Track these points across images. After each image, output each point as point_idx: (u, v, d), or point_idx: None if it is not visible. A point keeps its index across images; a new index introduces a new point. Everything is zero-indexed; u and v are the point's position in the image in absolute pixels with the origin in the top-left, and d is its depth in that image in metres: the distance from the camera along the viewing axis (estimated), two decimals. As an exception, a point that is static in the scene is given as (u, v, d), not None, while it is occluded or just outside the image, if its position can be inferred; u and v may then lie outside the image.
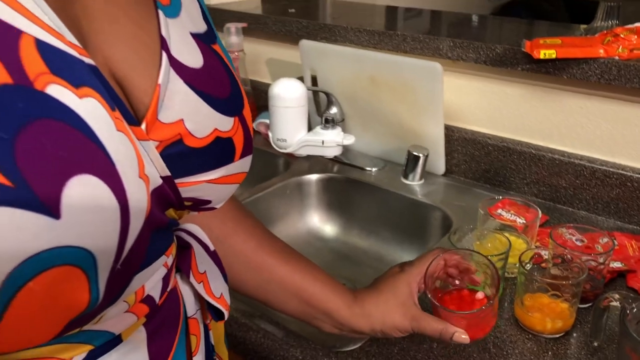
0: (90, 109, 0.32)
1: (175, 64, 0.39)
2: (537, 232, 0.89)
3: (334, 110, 1.22)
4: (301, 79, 1.27)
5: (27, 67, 0.29)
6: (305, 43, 1.20)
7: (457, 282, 0.65)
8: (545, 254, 0.79)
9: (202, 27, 0.44)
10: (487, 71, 1.08)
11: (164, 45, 0.39)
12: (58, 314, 0.31)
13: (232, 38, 1.33)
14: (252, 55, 1.44)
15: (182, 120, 0.39)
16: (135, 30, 0.38)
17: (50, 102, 0.30)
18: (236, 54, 1.34)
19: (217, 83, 0.42)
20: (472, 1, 3.06)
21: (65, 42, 0.32)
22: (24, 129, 0.28)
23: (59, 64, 0.31)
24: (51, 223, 0.28)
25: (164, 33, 0.39)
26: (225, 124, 0.42)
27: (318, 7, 1.49)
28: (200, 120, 0.40)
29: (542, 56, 0.93)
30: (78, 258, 0.30)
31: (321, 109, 1.28)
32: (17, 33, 0.30)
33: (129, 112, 0.36)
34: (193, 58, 0.41)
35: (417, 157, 1.14)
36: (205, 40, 0.43)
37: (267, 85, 1.19)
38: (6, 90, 0.28)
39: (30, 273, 0.28)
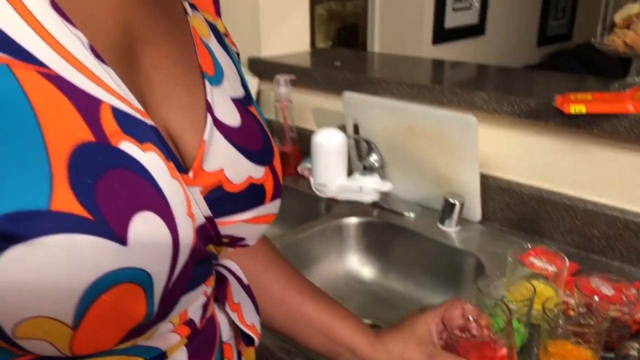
0: (151, 160, 0.40)
1: (218, 124, 0.47)
2: (565, 280, 0.91)
3: (374, 157, 1.28)
4: (344, 127, 1.34)
5: (106, 128, 0.38)
6: (348, 95, 1.28)
7: (475, 332, 0.69)
8: (570, 301, 0.81)
9: (240, 93, 0.53)
10: (521, 123, 1.12)
11: (209, 108, 0.47)
12: (122, 323, 0.38)
13: (281, 89, 1.42)
14: (299, 104, 1.53)
15: (222, 169, 0.46)
16: (187, 97, 0.47)
17: (121, 155, 0.38)
18: (284, 103, 1.43)
19: (252, 138, 0.50)
20: (523, 49, 3.11)
21: (132, 108, 0.40)
22: (102, 176, 0.36)
23: (129, 125, 0.39)
24: (120, 249, 0.36)
25: (209, 98, 0.48)
26: (258, 172, 0.49)
27: (363, 60, 1.57)
28: (237, 169, 0.47)
29: (572, 111, 0.97)
30: (139, 278, 0.37)
31: (362, 155, 1.35)
32: (98, 102, 0.38)
33: (180, 163, 0.43)
34: (232, 118, 0.49)
35: (453, 204, 1.18)
36: (242, 104, 0.52)
37: (313, 132, 1.27)
38: (90, 147, 0.36)
39: (104, 287, 0.36)
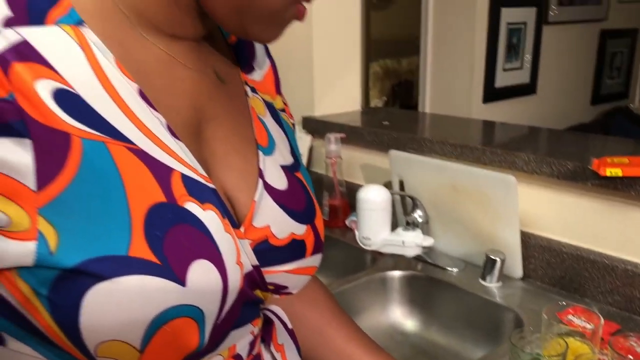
0: (210, 218, 0.48)
1: (267, 187, 0.56)
2: (600, 338, 0.93)
3: (419, 212, 1.34)
4: (390, 183, 1.41)
5: (175, 191, 0.47)
6: (394, 153, 1.35)
7: None
8: (605, 359, 0.84)
9: (289, 161, 0.62)
10: (559, 184, 1.16)
11: (260, 174, 0.57)
12: (179, 350, 0.46)
13: (331, 146, 1.51)
14: (349, 160, 1.62)
15: (268, 225, 0.55)
16: (243, 164, 0.56)
17: (186, 214, 0.47)
18: (334, 159, 1.51)
19: (296, 200, 0.59)
20: (576, 108, 3.12)
21: (198, 174, 0.50)
22: (170, 229, 0.45)
23: (193, 188, 0.48)
24: (180, 289, 0.44)
25: (261, 166, 0.57)
26: (300, 229, 0.58)
27: (411, 120, 1.65)
28: (282, 226, 0.56)
29: (608, 174, 1.01)
30: (194, 313, 0.45)
31: (407, 210, 1.41)
32: (170, 170, 0.48)
33: (234, 219, 0.52)
34: (280, 183, 0.58)
35: (495, 261, 1.22)
36: (290, 170, 0.61)
37: (361, 187, 1.34)
38: (162, 206, 0.46)
39: (166, 319, 0.44)
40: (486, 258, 1.23)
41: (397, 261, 1.35)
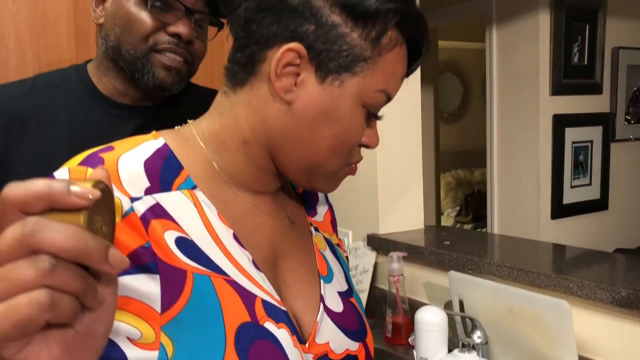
0: (283, 335, 0.61)
1: (327, 310, 0.69)
2: None
3: (477, 333, 1.38)
4: (451, 303, 1.47)
5: (257, 313, 0.60)
6: (453, 274, 1.42)
7: None
8: None
9: (344, 287, 0.76)
10: (615, 310, 1.19)
11: (322, 299, 0.70)
12: None
13: (394, 264, 1.59)
14: (411, 278, 1.69)
15: (328, 342, 0.67)
16: (308, 291, 0.70)
17: (265, 331, 0.60)
18: (397, 277, 1.59)
19: (351, 321, 0.72)
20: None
21: (274, 299, 0.63)
22: (253, 344, 0.58)
23: (271, 311, 0.62)
24: None
25: (322, 292, 0.71)
26: (354, 346, 0.70)
27: (472, 240, 1.72)
28: (339, 343, 0.68)
29: (659, 303, 1.04)
30: None
31: (468, 331, 1.45)
32: (254, 297, 0.61)
33: (300, 336, 0.65)
34: (337, 306, 0.71)
35: (554, 386, 1.22)
36: (345, 295, 0.75)
37: (424, 305, 1.40)
38: (247, 325, 0.59)
39: None
40: (546, 383, 1.24)
41: (458, 381, 1.38)
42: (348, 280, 0.79)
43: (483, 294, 1.35)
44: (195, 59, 1.02)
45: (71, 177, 0.57)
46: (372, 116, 0.67)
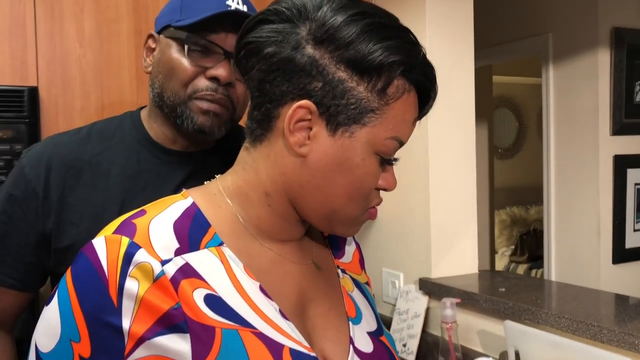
0: None
1: (357, 351, 0.70)
2: None
3: (535, 388, 1.32)
4: (505, 353, 1.41)
5: None
6: (509, 324, 1.37)
7: None
8: None
9: (374, 327, 0.76)
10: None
11: (351, 341, 0.70)
12: None
13: (447, 311, 1.55)
14: (465, 324, 1.64)
15: None
16: (337, 334, 0.71)
17: None
18: (450, 324, 1.55)
19: None
20: None
21: (302, 346, 0.64)
22: None
23: (299, 358, 0.62)
24: None
25: (351, 334, 0.71)
26: None
27: (528, 287, 1.66)
28: None
29: None
30: None
31: (524, 384, 1.38)
32: (282, 346, 0.62)
33: None
34: (367, 346, 0.72)
35: None
36: (375, 335, 0.75)
37: (477, 353, 1.35)
38: None
39: None
40: None
41: None
42: (377, 318, 0.81)
43: (541, 347, 1.30)
44: (236, 102, 1.01)
45: (107, 247, 0.62)
46: (385, 162, 0.69)
